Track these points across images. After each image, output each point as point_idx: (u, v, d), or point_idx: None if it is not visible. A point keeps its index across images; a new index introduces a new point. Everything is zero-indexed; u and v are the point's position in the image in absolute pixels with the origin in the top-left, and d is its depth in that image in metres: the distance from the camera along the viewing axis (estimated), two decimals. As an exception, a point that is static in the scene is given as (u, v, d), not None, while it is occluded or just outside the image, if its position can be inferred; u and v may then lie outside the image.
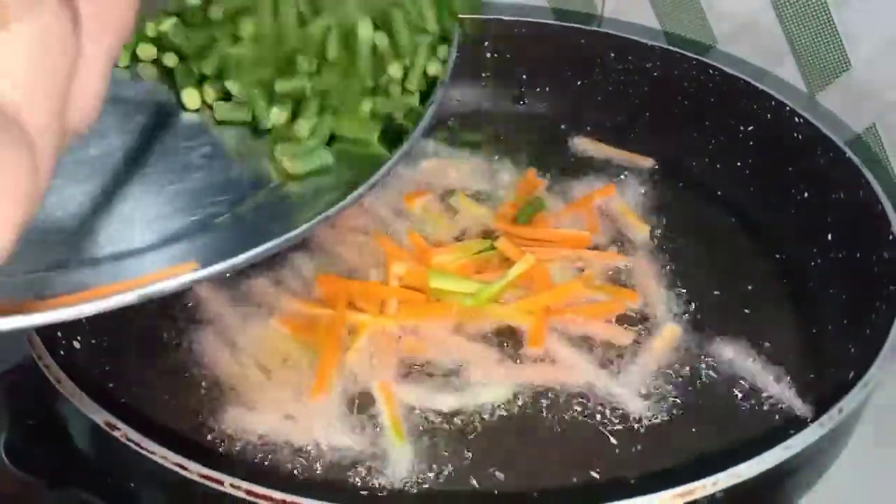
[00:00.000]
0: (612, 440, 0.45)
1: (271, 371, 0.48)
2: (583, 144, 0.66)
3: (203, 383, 0.48)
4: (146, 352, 0.49)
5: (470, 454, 0.44)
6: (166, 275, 0.29)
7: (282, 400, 0.47)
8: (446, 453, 0.44)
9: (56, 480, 0.43)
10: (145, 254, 0.32)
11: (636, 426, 0.46)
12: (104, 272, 0.31)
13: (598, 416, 0.47)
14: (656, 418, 0.46)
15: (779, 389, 0.48)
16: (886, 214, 0.50)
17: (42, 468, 0.44)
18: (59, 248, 0.32)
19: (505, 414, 0.47)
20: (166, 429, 0.45)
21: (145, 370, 0.48)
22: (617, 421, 0.46)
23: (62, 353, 0.46)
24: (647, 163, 0.64)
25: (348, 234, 0.57)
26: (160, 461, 0.35)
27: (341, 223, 0.58)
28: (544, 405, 0.47)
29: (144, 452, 0.35)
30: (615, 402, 0.47)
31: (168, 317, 0.51)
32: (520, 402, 0.47)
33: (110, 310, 0.28)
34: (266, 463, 0.44)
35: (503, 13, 0.69)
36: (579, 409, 0.47)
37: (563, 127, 0.67)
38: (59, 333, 0.47)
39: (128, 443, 0.36)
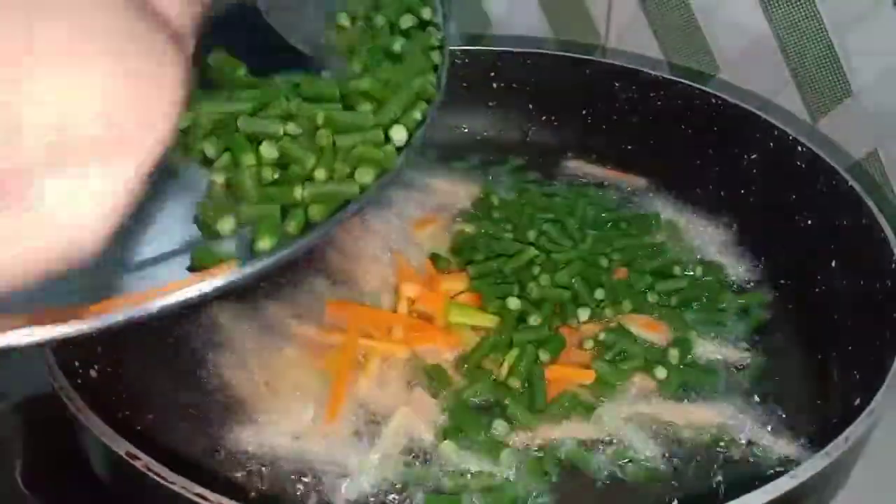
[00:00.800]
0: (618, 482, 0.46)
1: (285, 396, 0.49)
2: (577, 167, 0.68)
3: (218, 408, 0.49)
4: (161, 378, 0.50)
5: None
6: (207, 276, 0.30)
7: (295, 425, 0.48)
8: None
9: (73, 507, 0.44)
10: (172, 258, 0.32)
11: (643, 465, 0.46)
12: (143, 276, 0.31)
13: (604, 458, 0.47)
14: (663, 455, 0.47)
15: (785, 415, 0.49)
16: (889, 242, 0.50)
17: (58, 495, 0.45)
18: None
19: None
20: (183, 456, 0.45)
21: (160, 397, 0.49)
22: (626, 462, 0.47)
23: (79, 381, 0.46)
24: (642, 182, 0.65)
25: (361, 259, 0.58)
26: (180, 491, 0.36)
27: (354, 249, 0.59)
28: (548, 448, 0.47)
29: (165, 483, 0.36)
30: (625, 443, 0.47)
31: (183, 342, 0.52)
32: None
33: (155, 314, 0.28)
34: (281, 489, 0.44)
35: (510, 45, 0.70)
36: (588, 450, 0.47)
37: (568, 154, 0.69)
38: (77, 363, 0.48)
39: (148, 473, 0.36)
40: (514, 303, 0.53)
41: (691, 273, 0.57)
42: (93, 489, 0.43)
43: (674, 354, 0.51)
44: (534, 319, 0.52)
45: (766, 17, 0.67)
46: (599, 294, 0.54)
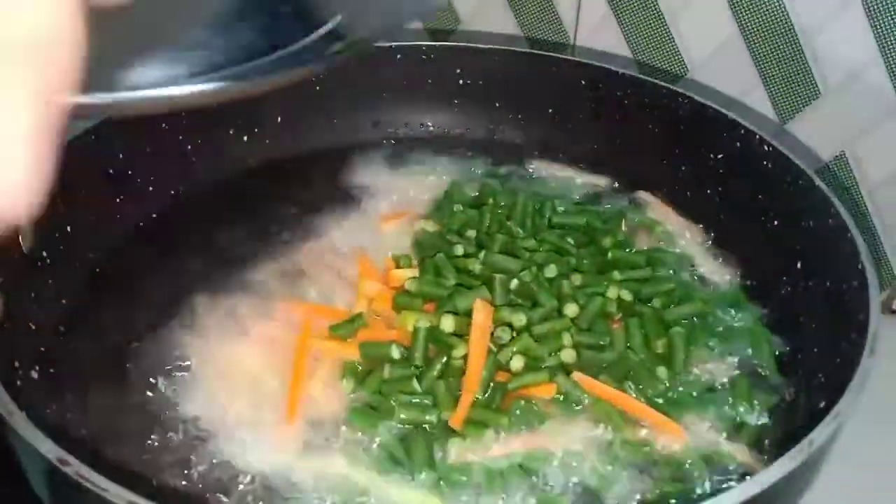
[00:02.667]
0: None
1: (238, 397, 0.47)
2: (543, 167, 0.66)
3: (169, 412, 0.47)
4: (109, 379, 0.48)
5: None
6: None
7: (245, 428, 0.46)
8: None
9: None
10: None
11: (602, 478, 0.45)
12: None
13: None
14: (621, 466, 0.45)
15: (749, 417, 0.48)
16: (855, 244, 0.50)
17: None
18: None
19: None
20: (124, 463, 0.43)
21: (107, 398, 0.47)
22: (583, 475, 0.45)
23: (19, 383, 0.44)
24: (609, 182, 0.64)
25: (324, 257, 0.57)
26: (114, 500, 0.34)
27: (318, 246, 0.57)
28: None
29: (96, 490, 0.34)
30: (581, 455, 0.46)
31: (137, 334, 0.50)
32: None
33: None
34: (226, 498, 0.42)
35: (476, 41, 0.69)
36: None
37: (534, 153, 0.67)
38: (17, 363, 0.46)
39: (79, 479, 0.34)
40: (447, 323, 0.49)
41: (661, 273, 0.56)
42: (30, 499, 0.40)
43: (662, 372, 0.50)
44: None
45: (735, 19, 0.66)
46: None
